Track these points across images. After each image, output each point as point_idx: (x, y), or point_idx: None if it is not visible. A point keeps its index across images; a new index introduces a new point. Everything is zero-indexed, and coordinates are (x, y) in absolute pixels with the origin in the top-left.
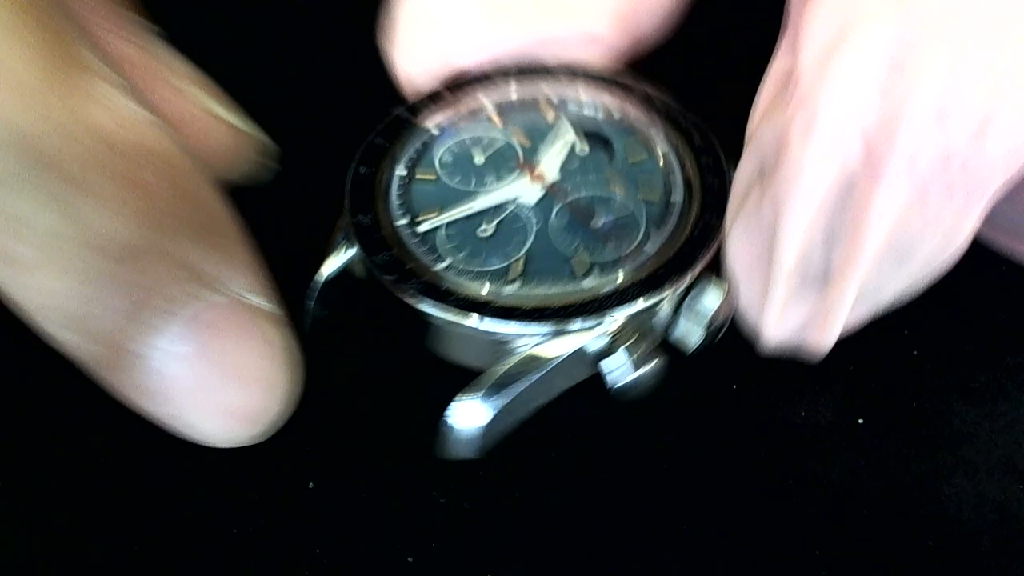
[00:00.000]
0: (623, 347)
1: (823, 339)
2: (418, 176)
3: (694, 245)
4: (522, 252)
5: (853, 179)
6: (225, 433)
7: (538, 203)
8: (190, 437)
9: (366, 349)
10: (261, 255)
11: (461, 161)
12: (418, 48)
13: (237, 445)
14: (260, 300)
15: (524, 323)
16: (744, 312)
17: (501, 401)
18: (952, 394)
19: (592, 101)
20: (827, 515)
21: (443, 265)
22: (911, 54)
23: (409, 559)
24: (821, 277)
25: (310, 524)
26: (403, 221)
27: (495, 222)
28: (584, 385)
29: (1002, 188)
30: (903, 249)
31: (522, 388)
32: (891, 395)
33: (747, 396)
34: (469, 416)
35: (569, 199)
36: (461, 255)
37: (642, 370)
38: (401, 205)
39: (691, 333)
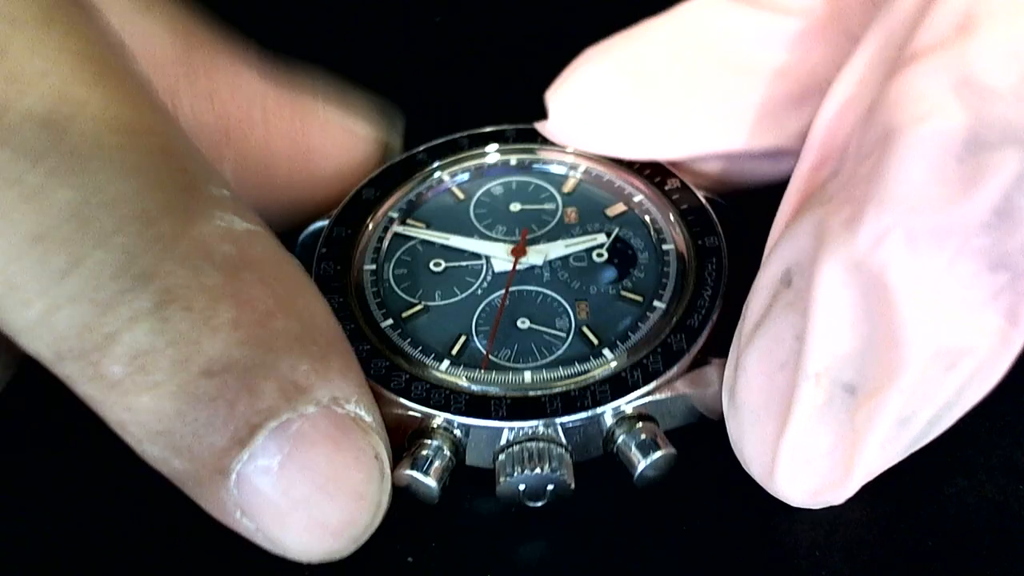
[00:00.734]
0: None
1: (850, 474)
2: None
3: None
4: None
5: (893, 281)
6: (310, 547)
7: (501, 274)
8: (275, 551)
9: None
10: (356, 359)
11: (497, 204)
12: (575, 127)
13: (323, 561)
14: (353, 407)
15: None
16: (752, 449)
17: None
18: None
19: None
20: (827, 515)
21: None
22: (970, 154)
23: (409, 559)
24: (851, 389)
25: None
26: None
27: (449, 264)
28: None
29: None
30: (949, 356)
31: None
32: None
33: None
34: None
35: (515, 287)
36: (404, 285)
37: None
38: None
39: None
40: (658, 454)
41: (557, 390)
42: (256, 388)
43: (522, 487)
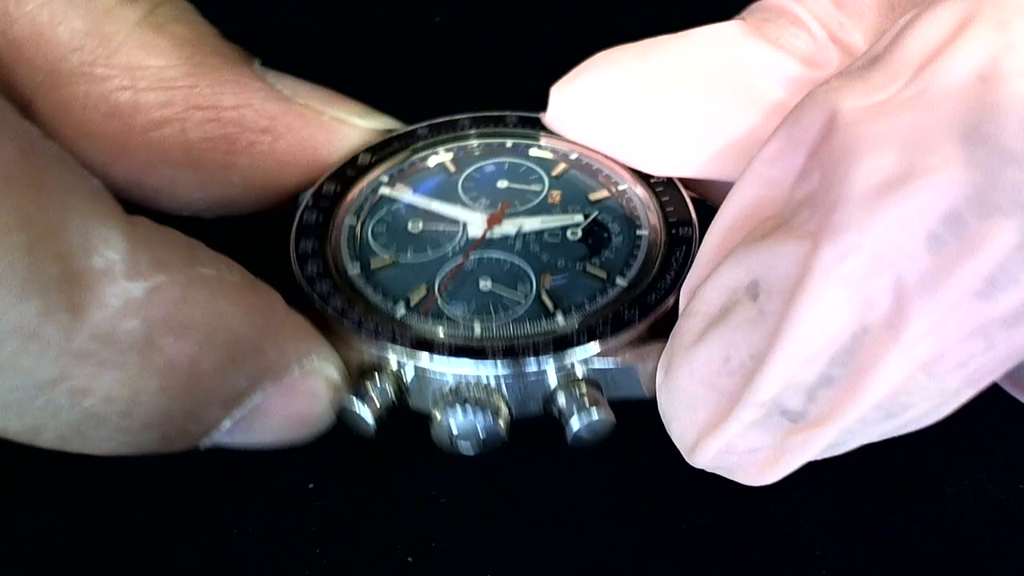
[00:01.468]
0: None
1: (769, 475)
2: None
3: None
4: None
5: (869, 328)
6: (282, 446)
7: (475, 239)
8: None
9: None
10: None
11: (485, 180)
12: (574, 120)
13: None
14: (297, 365)
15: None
16: (680, 427)
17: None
18: None
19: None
20: (827, 515)
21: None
22: (975, 216)
23: (409, 559)
24: (792, 416)
25: (310, 524)
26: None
27: (427, 227)
28: None
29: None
30: (894, 407)
31: None
32: None
33: None
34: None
35: (485, 253)
36: (380, 240)
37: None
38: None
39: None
40: (595, 417)
41: (502, 343)
42: (201, 416)
43: (454, 430)
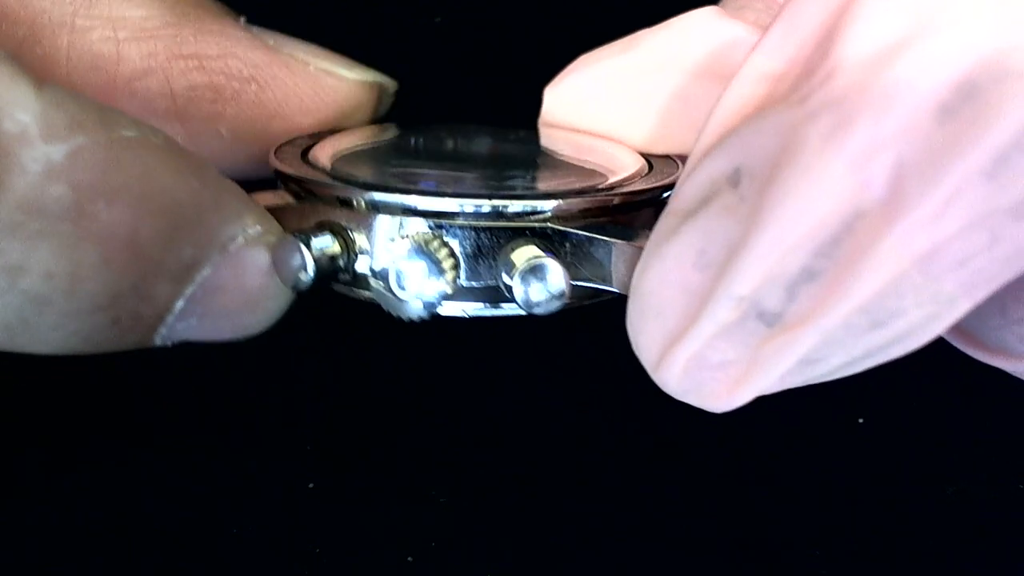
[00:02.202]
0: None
1: (738, 394)
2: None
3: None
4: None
5: (861, 213)
6: (240, 337)
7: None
8: None
9: (367, 350)
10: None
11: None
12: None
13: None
14: (242, 235)
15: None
16: (647, 339)
17: None
18: (952, 394)
19: None
20: (827, 515)
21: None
22: (991, 81)
23: (409, 559)
24: (769, 319)
25: (310, 524)
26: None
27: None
28: (585, 386)
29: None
30: (882, 313)
31: None
32: (891, 395)
33: None
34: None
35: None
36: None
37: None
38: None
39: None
40: (547, 271)
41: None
42: (150, 293)
43: (395, 272)
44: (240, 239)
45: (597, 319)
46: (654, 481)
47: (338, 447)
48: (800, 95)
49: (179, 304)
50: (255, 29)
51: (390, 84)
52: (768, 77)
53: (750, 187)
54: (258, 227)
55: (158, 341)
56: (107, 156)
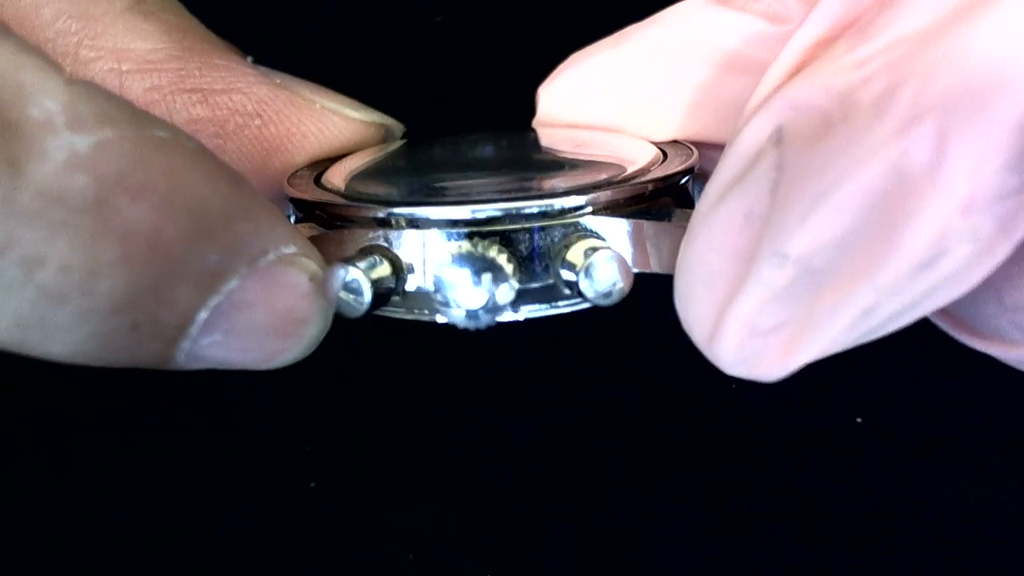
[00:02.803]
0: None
1: (794, 356)
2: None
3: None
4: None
5: (909, 171)
6: (272, 364)
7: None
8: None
9: (367, 349)
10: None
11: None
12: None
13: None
14: (274, 253)
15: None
16: (697, 310)
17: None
18: (952, 393)
19: None
20: (827, 515)
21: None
22: None
23: (409, 558)
24: (820, 278)
25: (310, 524)
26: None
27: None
28: (585, 386)
29: None
30: (929, 254)
31: None
32: (891, 395)
33: (746, 396)
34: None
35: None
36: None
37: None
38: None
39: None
40: (601, 255)
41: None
42: (171, 298)
43: (451, 285)
44: (272, 255)
45: (597, 320)
46: (654, 481)
47: (338, 447)
48: (855, 59)
49: (202, 315)
50: (262, 68)
51: (396, 126)
52: (816, 44)
53: (794, 146)
54: (293, 247)
55: (181, 358)
56: (135, 152)
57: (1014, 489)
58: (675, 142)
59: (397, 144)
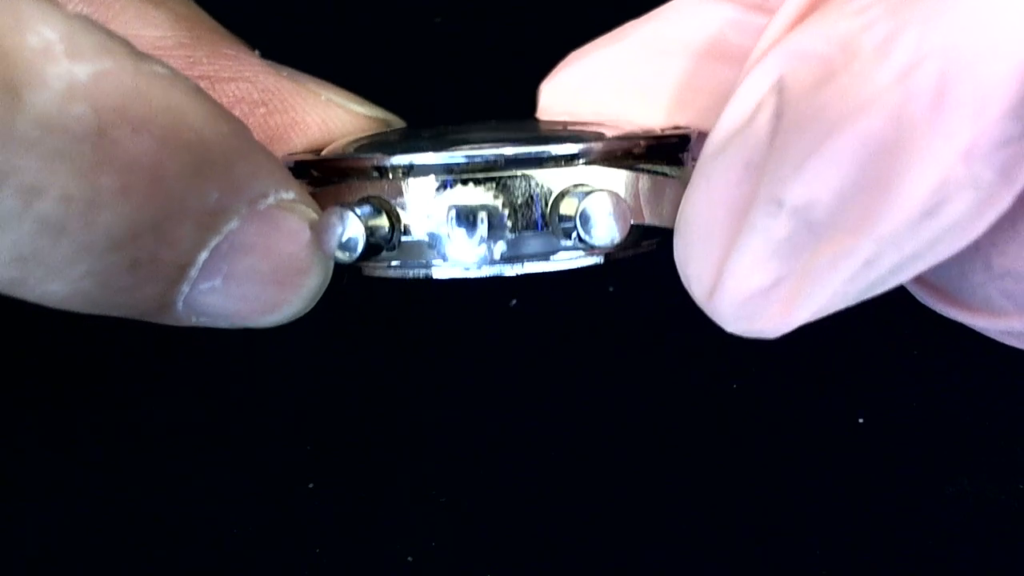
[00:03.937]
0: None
1: (795, 313)
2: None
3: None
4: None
5: (910, 117)
6: (272, 320)
7: None
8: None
9: (366, 349)
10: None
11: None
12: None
13: (288, 320)
14: (273, 197)
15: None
16: (697, 265)
17: None
18: (952, 394)
19: None
20: (827, 515)
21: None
22: None
23: (409, 559)
24: (818, 229)
25: (310, 524)
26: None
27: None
28: (585, 386)
29: None
30: (931, 202)
31: None
32: (891, 395)
33: (747, 396)
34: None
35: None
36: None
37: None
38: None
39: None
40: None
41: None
42: (171, 236)
43: (448, 234)
44: (272, 199)
45: (597, 319)
46: (654, 481)
47: (338, 447)
48: (857, 5)
49: (202, 255)
50: (268, 61)
51: (397, 122)
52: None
53: (795, 94)
54: (291, 193)
55: (179, 306)
56: (134, 83)
57: (1014, 489)
58: (675, 127)
59: (396, 127)
